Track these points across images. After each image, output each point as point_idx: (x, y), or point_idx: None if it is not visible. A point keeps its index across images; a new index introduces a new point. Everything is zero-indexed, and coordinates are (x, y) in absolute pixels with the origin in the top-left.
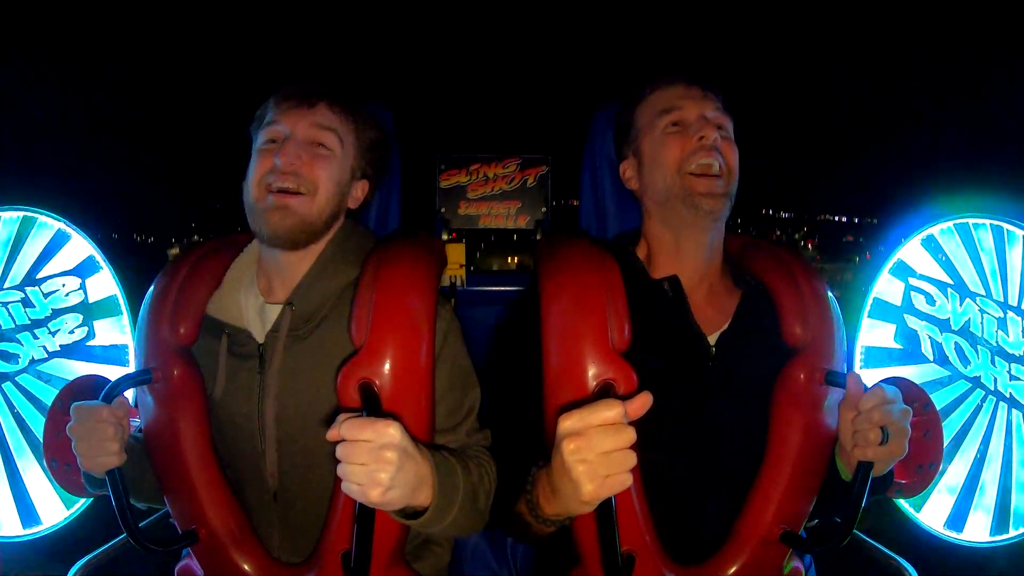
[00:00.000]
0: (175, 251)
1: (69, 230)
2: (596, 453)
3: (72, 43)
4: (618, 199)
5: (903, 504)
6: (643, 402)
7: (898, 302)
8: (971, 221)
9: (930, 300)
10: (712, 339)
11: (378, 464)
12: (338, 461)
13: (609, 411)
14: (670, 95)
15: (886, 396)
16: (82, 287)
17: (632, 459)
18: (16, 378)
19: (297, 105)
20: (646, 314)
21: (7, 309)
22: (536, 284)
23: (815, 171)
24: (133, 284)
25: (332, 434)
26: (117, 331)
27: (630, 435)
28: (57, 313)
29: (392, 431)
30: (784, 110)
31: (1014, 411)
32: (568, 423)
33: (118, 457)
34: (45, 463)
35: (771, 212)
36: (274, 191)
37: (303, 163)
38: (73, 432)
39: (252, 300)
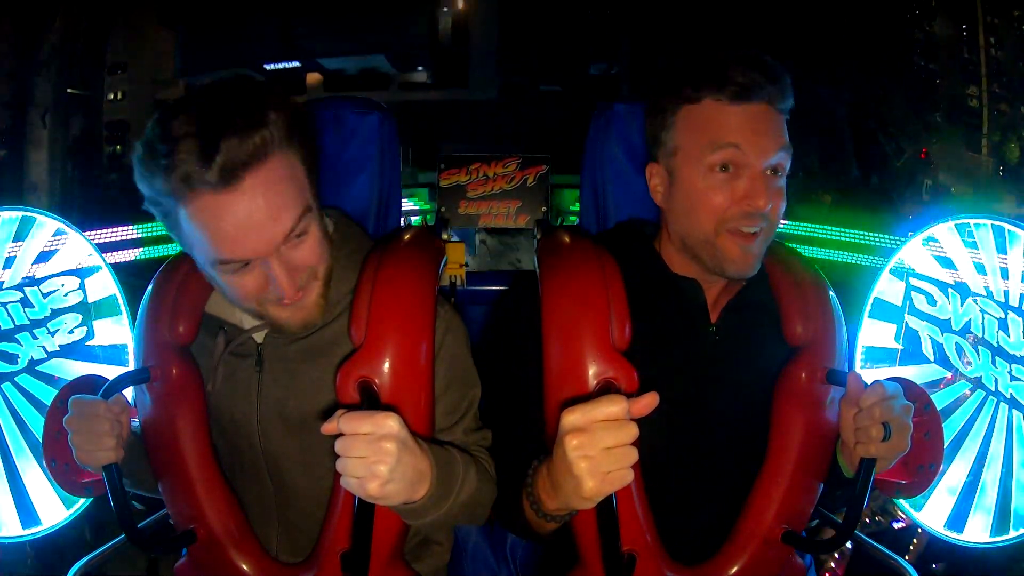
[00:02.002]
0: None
1: (68, 230)
2: (598, 449)
3: None
4: (619, 199)
5: (903, 504)
6: (649, 401)
7: (899, 302)
8: (971, 221)
9: (931, 300)
10: (713, 316)
11: (377, 456)
12: (337, 458)
13: (613, 407)
14: (729, 120)
15: (887, 392)
16: (81, 287)
17: (634, 455)
18: (15, 378)
19: (249, 222)
20: (654, 305)
21: (6, 309)
22: (536, 282)
23: None
24: (133, 284)
25: (329, 427)
26: (117, 331)
27: (633, 431)
28: (56, 313)
29: (391, 423)
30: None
31: (1015, 412)
32: (571, 418)
33: (115, 453)
34: (44, 463)
35: None
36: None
37: (297, 267)
38: (70, 425)
39: None
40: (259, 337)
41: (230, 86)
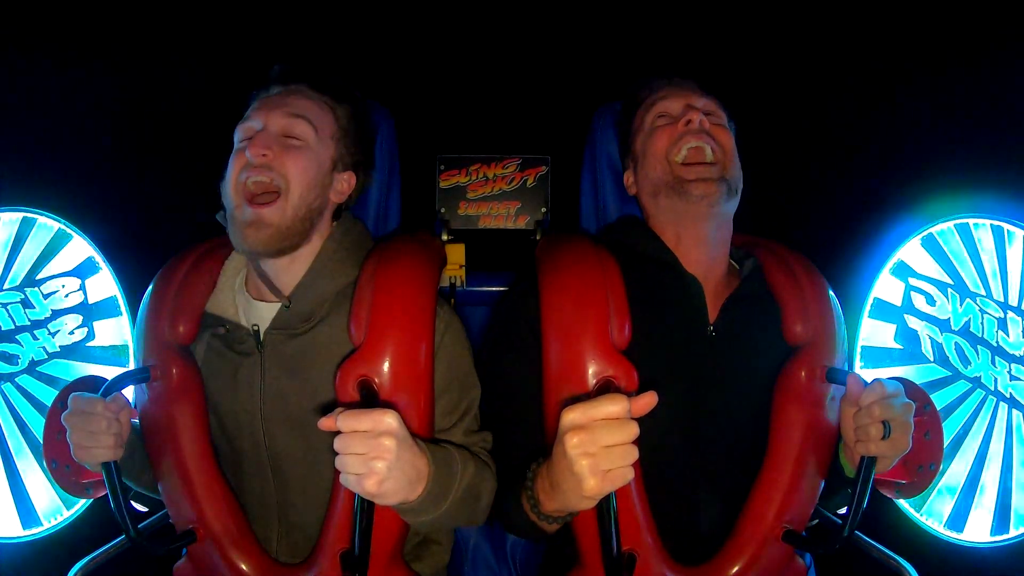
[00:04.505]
0: None
1: (69, 231)
2: (599, 447)
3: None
4: (619, 199)
5: (903, 504)
6: (648, 400)
7: (898, 302)
8: (971, 221)
9: (930, 300)
10: (712, 315)
11: (375, 453)
12: (336, 455)
13: (613, 405)
14: (658, 94)
15: (887, 391)
16: (82, 288)
17: (634, 453)
18: (16, 379)
19: (271, 96)
20: (654, 301)
21: (7, 310)
22: (535, 282)
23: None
24: (133, 284)
25: (326, 423)
26: (117, 332)
27: (633, 429)
28: (57, 314)
29: (389, 419)
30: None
31: (1014, 411)
32: (572, 416)
33: (113, 451)
34: (44, 464)
35: None
36: (250, 202)
37: (274, 155)
38: (68, 421)
39: (245, 298)
40: (260, 334)
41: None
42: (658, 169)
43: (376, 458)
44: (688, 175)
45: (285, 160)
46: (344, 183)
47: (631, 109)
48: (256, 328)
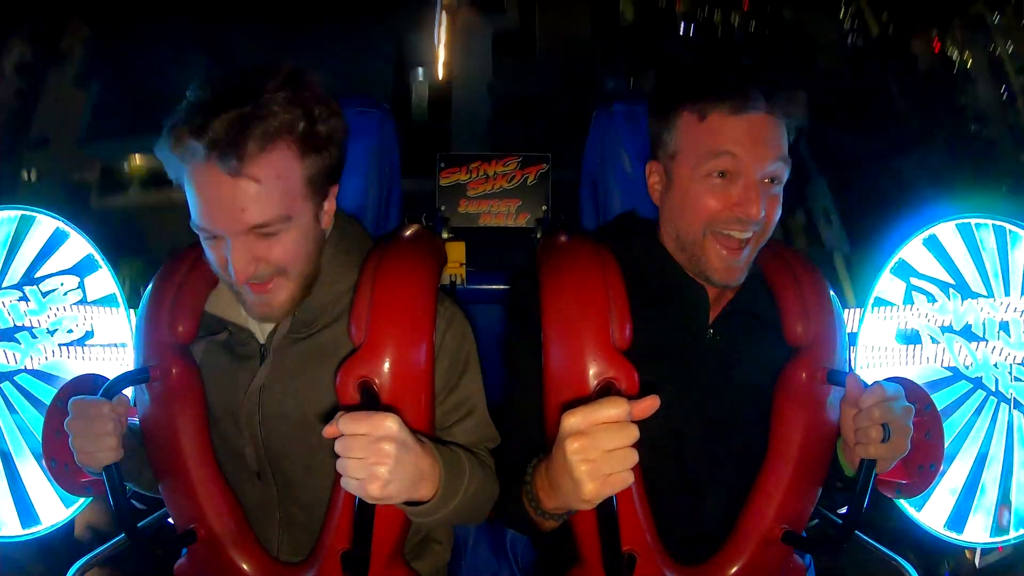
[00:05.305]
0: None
1: (67, 229)
2: (599, 452)
3: None
4: (620, 198)
5: (903, 504)
6: (650, 404)
7: (899, 302)
8: (973, 221)
9: (931, 300)
10: (712, 317)
11: (376, 457)
12: (337, 458)
13: (614, 409)
14: (728, 130)
15: (886, 393)
16: (81, 286)
17: (634, 457)
18: (15, 378)
19: (219, 181)
20: (654, 304)
21: (5, 308)
22: (536, 282)
23: None
24: (132, 283)
25: (330, 430)
26: (116, 330)
27: (633, 433)
28: (56, 312)
29: (389, 423)
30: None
31: (1015, 412)
32: (572, 420)
33: (115, 453)
34: (44, 463)
35: None
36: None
37: (258, 259)
38: (71, 427)
39: None
40: (262, 337)
41: (253, 76)
42: (693, 231)
43: (377, 463)
44: (715, 261)
45: (270, 255)
46: (329, 203)
47: (687, 99)
48: (263, 344)
